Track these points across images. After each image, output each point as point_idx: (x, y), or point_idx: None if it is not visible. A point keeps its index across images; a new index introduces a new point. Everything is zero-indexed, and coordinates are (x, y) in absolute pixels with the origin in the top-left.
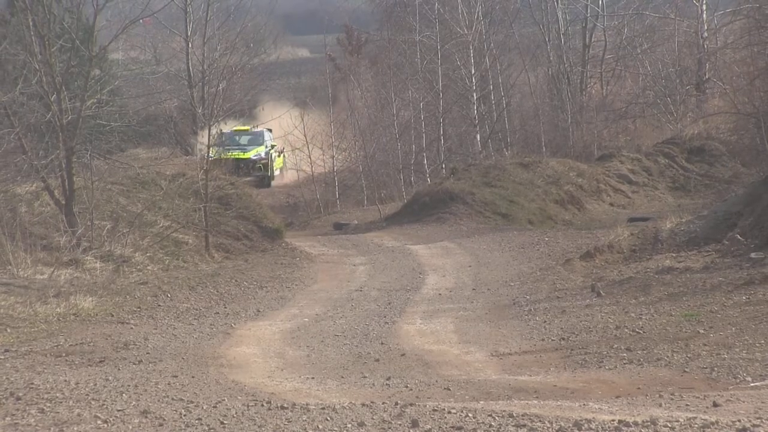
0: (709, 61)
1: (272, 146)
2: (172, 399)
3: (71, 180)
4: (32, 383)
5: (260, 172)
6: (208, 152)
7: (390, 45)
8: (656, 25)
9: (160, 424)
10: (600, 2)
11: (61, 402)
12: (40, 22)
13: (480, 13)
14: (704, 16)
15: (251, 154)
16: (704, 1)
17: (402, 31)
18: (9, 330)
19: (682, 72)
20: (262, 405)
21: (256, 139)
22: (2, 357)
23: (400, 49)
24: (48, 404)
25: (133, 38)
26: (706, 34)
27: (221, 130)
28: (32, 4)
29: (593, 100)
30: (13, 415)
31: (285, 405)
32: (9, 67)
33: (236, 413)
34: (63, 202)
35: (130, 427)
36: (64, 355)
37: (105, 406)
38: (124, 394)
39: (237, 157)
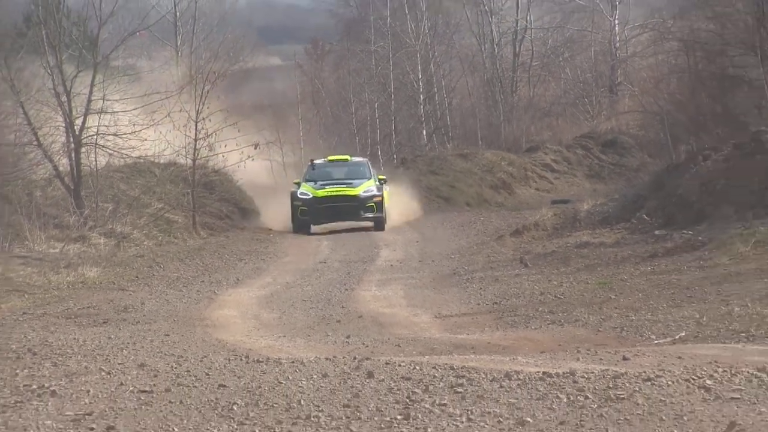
0: (620, 68)
1: (382, 179)
2: (165, 354)
3: (79, 168)
4: (46, 341)
5: (373, 213)
6: (195, 146)
7: (349, 54)
8: (575, 37)
9: (155, 375)
10: (528, 17)
11: (70, 356)
12: (52, 35)
13: (426, 26)
14: (616, 29)
15: (360, 190)
16: (616, 17)
17: (359, 42)
18: (26, 296)
19: (597, 77)
20: (241, 359)
21: (360, 171)
22: (20, 318)
23: (358, 57)
24: (60, 358)
25: (130, 48)
26: (618, 45)
27: (312, 160)
28: (45, 19)
29: (522, 101)
30: (30, 367)
31: (260, 359)
32: (26, 73)
33: (219, 366)
34: (72, 187)
35: (129, 378)
36: (73, 317)
37: (108, 360)
38: (124, 350)
39: (342, 194)
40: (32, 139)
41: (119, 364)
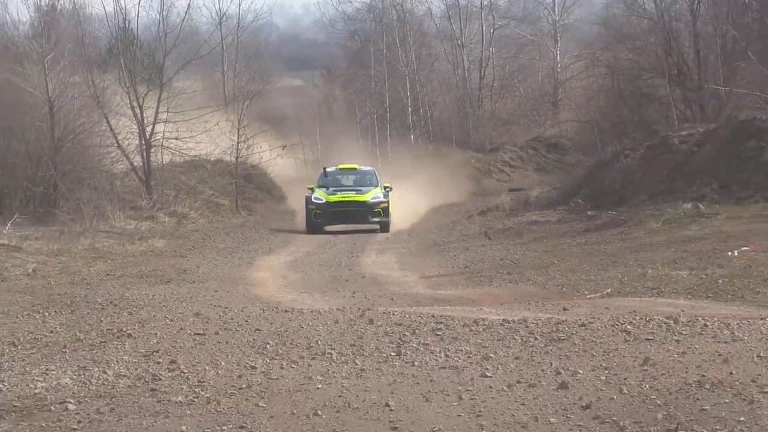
0: (560, 87)
1: (387, 187)
2: (214, 305)
3: (149, 164)
4: (124, 295)
5: (380, 217)
6: (237, 147)
7: (354, 77)
8: (527, 64)
9: (207, 321)
10: (491, 49)
11: (142, 307)
12: (128, 62)
13: (413, 56)
14: (558, 58)
15: (369, 197)
16: (558, 49)
17: (362, 68)
18: (108, 261)
19: (543, 94)
20: (272, 309)
21: (368, 179)
22: (104, 278)
23: (361, 79)
24: (134, 309)
25: (188, 72)
26: (559, 70)
27: (324, 168)
28: (123, 50)
29: (486, 113)
30: (111, 316)
31: (287, 309)
32: (108, 91)
33: (255, 315)
34: (143, 178)
35: (187, 324)
36: (144, 277)
37: (171, 310)
38: (183, 303)
39: (352, 199)
40: (113, 142)
41: (179, 313)
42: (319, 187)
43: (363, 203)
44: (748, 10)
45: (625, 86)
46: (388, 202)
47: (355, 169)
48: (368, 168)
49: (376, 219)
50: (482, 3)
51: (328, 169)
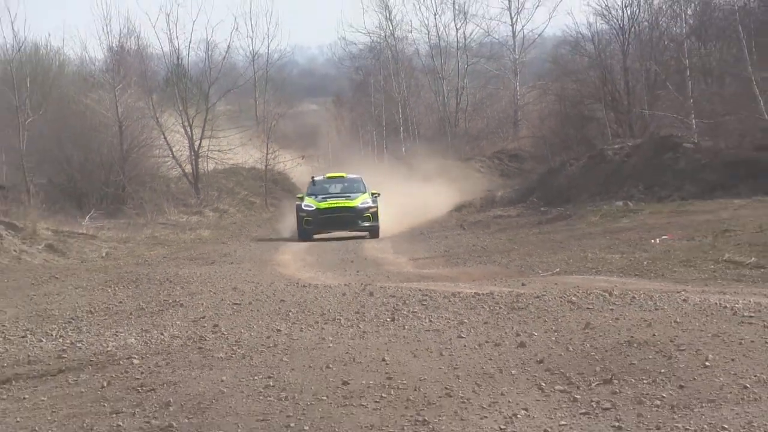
0: (520, 111)
1: (375, 193)
2: (248, 281)
3: (197, 171)
4: (177, 273)
5: (369, 222)
6: (266, 157)
7: (358, 103)
8: (493, 92)
9: (242, 294)
10: (465, 80)
11: (191, 283)
12: (180, 91)
13: (404, 86)
14: (517, 88)
15: (358, 202)
16: (517, 81)
17: (365, 96)
18: (166, 246)
19: (506, 116)
20: (294, 285)
21: (356, 186)
22: (162, 260)
23: (364, 104)
24: (185, 284)
25: (228, 98)
26: (518, 97)
27: (313, 177)
28: (176, 81)
29: (461, 130)
30: (168, 289)
31: (305, 285)
32: (165, 113)
33: (280, 289)
34: (193, 182)
35: (227, 296)
36: (193, 259)
37: (214, 285)
38: (223, 279)
39: (341, 205)
40: (169, 153)
41: (221, 287)
42: (309, 195)
43: (352, 209)
44: (666, 50)
45: (570, 110)
46: (376, 208)
47: (342, 177)
48: (355, 176)
49: (366, 224)
50: (458, 45)
51: (316, 178)
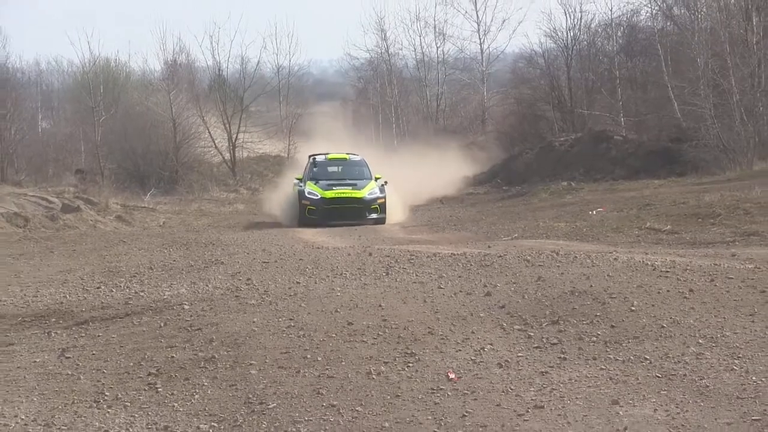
0: (487, 111)
1: (379, 178)
2: (274, 245)
3: (234, 158)
4: (219, 238)
5: (377, 214)
6: (288, 147)
7: (360, 105)
8: (466, 96)
9: (269, 254)
10: (443, 87)
11: (230, 245)
12: (221, 95)
13: (396, 92)
14: (485, 93)
15: (365, 193)
16: (485, 87)
17: (365, 100)
18: (210, 217)
19: (475, 116)
20: (310, 247)
21: (360, 170)
22: (207, 228)
23: (365, 107)
24: (225, 246)
25: (258, 101)
26: (485, 101)
27: (313, 157)
28: (218, 88)
29: (441, 126)
30: (211, 251)
31: (319, 247)
32: (209, 113)
33: (299, 250)
34: (231, 166)
35: (258, 256)
36: (231, 227)
37: (247, 247)
38: (255, 243)
39: (348, 195)
40: (212, 144)
41: (253, 249)
42: (311, 179)
43: (360, 200)
44: (601, 64)
45: (526, 110)
46: (384, 198)
47: (345, 159)
48: (358, 158)
49: (373, 216)
50: (438, 60)
51: (317, 158)
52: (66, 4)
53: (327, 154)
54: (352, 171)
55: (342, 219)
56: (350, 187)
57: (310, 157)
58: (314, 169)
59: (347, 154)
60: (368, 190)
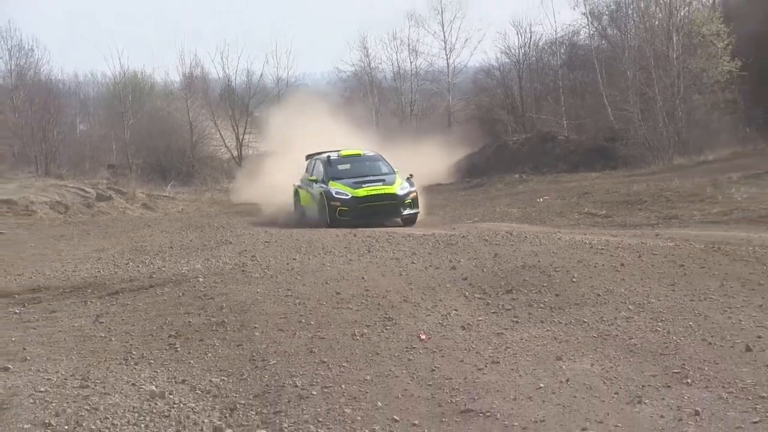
0: (452, 116)
1: (409, 175)
2: (274, 227)
3: (241, 154)
4: (228, 222)
5: (410, 210)
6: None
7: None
8: (434, 103)
9: (271, 235)
10: (416, 96)
11: (237, 228)
12: (231, 103)
13: (376, 100)
14: (450, 100)
15: (397, 188)
16: (450, 96)
17: (351, 107)
18: (220, 205)
19: (442, 119)
20: (304, 229)
21: (379, 166)
22: (218, 214)
23: (350, 113)
24: (233, 229)
25: (261, 108)
26: (451, 107)
27: (328, 156)
28: (228, 96)
29: (414, 128)
30: (221, 232)
31: (311, 228)
32: (220, 118)
33: (295, 232)
34: (238, 162)
35: (261, 236)
36: (239, 213)
37: (252, 229)
38: (258, 226)
39: (382, 192)
40: (222, 143)
41: (256, 230)
42: (333, 179)
43: (394, 195)
44: (547, 75)
45: (485, 115)
46: (416, 192)
47: (359, 155)
48: (373, 153)
49: (408, 212)
50: (411, 72)
51: (332, 157)
52: (66, 3)
53: (338, 151)
54: (374, 166)
55: (376, 218)
56: (380, 183)
57: (308, 157)
58: (330, 168)
59: (360, 150)
60: (399, 185)
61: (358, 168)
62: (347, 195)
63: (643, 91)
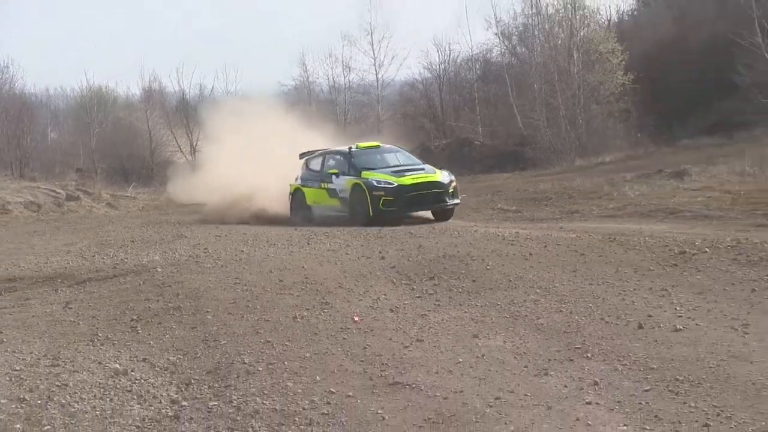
0: (382, 123)
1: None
2: (225, 224)
3: (195, 158)
4: (183, 219)
5: (453, 200)
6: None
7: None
8: (366, 113)
9: (221, 230)
10: (349, 106)
11: (191, 224)
12: (185, 112)
13: (315, 109)
14: (380, 111)
15: (440, 176)
16: (380, 107)
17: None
18: (176, 204)
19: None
20: (251, 225)
21: (407, 156)
22: (175, 212)
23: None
24: (188, 225)
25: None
26: (381, 116)
27: (349, 148)
28: (183, 107)
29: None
30: (177, 228)
31: (257, 224)
32: (176, 126)
33: (243, 228)
34: (192, 165)
35: (212, 232)
36: (193, 212)
37: (205, 226)
38: (211, 223)
39: (429, 180)
40: (178, 149)
41: (209, 226)
42: (366, 169)
43: (440, 183)
44: (464, 88)
45: (410, 122)
46: (456, 182)
47: (377, 146)
48: (390, 145)
49: (453, 201)
50: (345, 86)
51: (352, 149)
52: (38, 23)
53: (352, 146)
54: (400, 157)
55: (422, 207)
56: (421, 172)
57: (303, 155)
58: (355, 159)
59: (378, 143)
60: (440, 174)
61: (386, 159)
62: (392, 184)
63: (548, 101)
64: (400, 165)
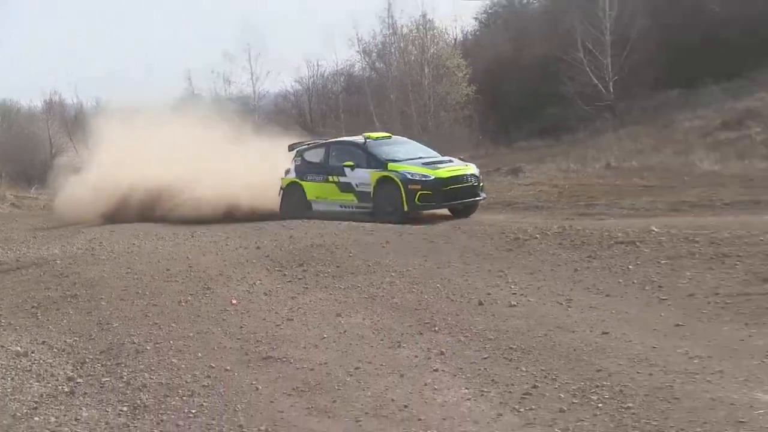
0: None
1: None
2: (118, 223)
3: None
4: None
5: (483, 195)
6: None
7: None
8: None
9: (114, 227)
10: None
11: (88, 222)
12: (84, 122)
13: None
14: (256, 118)
15: (471, 169)
16: (256, 116)
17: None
18: None
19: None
20: (141, 223)
21: (426, 148)
22: None
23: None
24: (85, 224)
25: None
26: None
27: (365, 138)
28: (81, 117)
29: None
30: (75, 226)
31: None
32: (75, 136)
33: (136, 226)
34: None
35: (107, 229)
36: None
37: (100, 224)
38: (107, 222)
39: (463, 172)
40: (77, 155)
41: (103, 225)
42: (392, 161)
43: (474, 176)
44: (330, 99)
45: (283, 130)
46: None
47: (389, 137)
48: (403, 137)
49: (482, 195)
50: (225, 98)
51: (367, 140)
52: None
53: (365, 135)
54: (421, 148)
55: (456, 201)
56: (451, 164)
57: (292, 147)
58: (375, 151)
59: (389, 134)
60: (471, 166)
61: (407, 150)
62: (429, 177)
63: (403, 110)
64: (427, 157)
